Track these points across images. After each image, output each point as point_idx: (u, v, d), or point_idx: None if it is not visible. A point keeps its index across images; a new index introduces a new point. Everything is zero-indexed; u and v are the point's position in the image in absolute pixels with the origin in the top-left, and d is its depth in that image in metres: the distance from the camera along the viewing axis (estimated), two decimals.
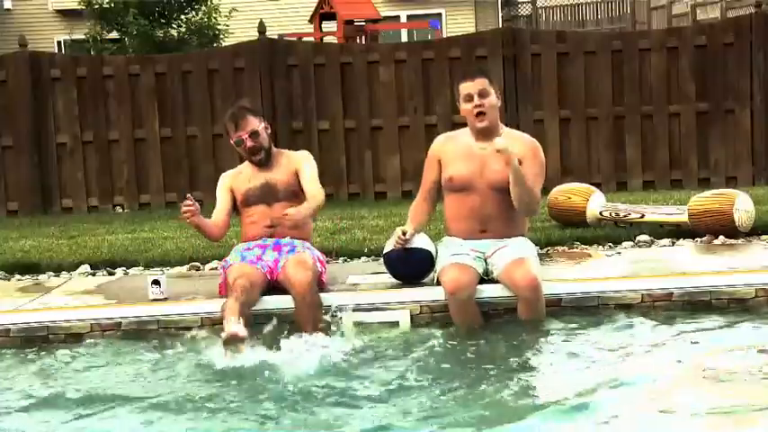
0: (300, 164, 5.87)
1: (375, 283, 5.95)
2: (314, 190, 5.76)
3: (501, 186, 5.47)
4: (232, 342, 4.95)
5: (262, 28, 10.43)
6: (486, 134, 5.56)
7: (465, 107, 5.59)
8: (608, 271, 6.06)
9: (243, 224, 5.92)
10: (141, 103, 10.41)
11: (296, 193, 5.79)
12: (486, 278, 5.53)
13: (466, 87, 5.58)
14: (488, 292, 5.50)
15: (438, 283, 5.58)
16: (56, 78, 10.39)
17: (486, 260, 5.55)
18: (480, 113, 5.54)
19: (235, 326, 4.98)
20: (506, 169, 5.37)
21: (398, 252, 5.65)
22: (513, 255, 5.45)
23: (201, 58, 10.55)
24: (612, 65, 10.17)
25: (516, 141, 5.56)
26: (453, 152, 5.67)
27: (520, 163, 5.40)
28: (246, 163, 5.95)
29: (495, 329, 5.39)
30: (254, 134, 5.77)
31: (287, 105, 10.28)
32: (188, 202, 5.56)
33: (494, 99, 5.57)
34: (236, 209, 5.93)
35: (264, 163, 5.82)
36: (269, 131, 5.89)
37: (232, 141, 5.87)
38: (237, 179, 5.90)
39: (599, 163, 10.25)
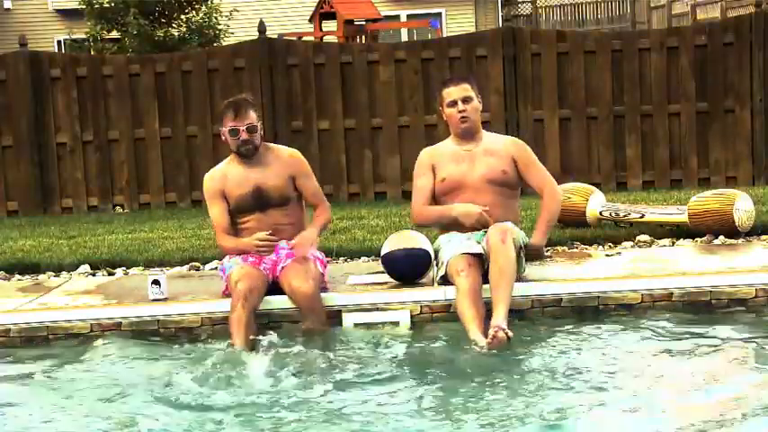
0: (297, 171, 5.79)
1: (375, 283, 5.94)
2: (321, 210, 5.83)
3: (491, 178, 5.77)
4: None
5: (262, 27, 10.42)
6: (468, 136, 5.85)
7: (449, 112, 5.84)
8: (608, 271, 6.06)
9: (236, 229, 5.78)
10: (141, 102, 10.39)
11: (288, 198, 5.74)
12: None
13: (450, 93, 5.83)
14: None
15: (441, 283, 5.61)
16: (56, 78, 10.37)
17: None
18: (464, 118, 5.79)
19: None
20: (492, 165, 5.78)
21: (397, 252, 5.71)
22: (498, 225, 5.55)
23: (201, 58, 10.53)
24: (612, 64, 10.16)
25: (503, 145, 5.92)
26: (445, 157, 5.90)
27: (518, 165, 5.87)
28: (230, 160, 5.80)
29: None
30: (251, 129, 5.65)
31: (287, 105, 10.26)
32: (270, 239, 5.59)
33: (476, 103, 5.85)
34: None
35: (250, 156, 5.69)
36: (262, 133, 5.79)
37: (225, 129, 5.67)
38: (226, 183, 5.73)
39: (599, 162, 10.23)
